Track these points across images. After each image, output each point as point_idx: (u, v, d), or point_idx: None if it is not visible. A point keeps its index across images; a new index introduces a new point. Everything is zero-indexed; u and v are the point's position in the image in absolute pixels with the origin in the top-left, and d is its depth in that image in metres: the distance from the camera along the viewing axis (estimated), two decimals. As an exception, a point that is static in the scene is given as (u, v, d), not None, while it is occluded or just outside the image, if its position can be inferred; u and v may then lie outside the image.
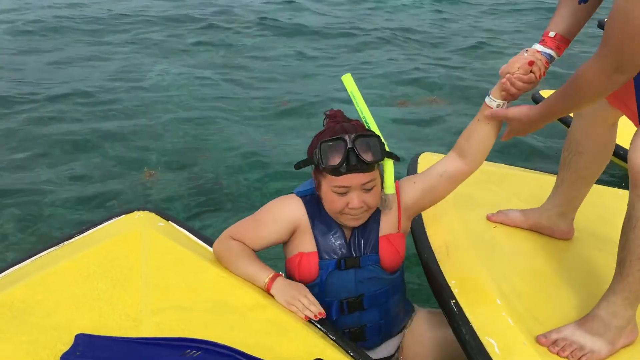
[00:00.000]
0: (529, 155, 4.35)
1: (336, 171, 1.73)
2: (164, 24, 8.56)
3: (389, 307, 1.96)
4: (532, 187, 2.55)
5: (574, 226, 2.22)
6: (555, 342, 1.68)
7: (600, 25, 4.24)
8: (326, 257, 1.86)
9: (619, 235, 1.68)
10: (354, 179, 1.74)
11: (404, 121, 5.03)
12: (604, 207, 2.35)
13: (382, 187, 1.86)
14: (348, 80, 1.91)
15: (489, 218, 2.30)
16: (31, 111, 5.20)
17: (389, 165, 1.86)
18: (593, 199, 2.23)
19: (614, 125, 2.06)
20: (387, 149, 1.82)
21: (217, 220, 3.53)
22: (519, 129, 1.84)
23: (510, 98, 1.82)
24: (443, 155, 2.99)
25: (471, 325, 1.78)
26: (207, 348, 1.55)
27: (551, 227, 2.21)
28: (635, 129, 1.67)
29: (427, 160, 2.71)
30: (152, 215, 2.17)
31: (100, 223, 2.14)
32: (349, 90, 1.92)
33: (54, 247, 2.03)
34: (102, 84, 5.95)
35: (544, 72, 1.78)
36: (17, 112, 5.17)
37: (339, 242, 1.87)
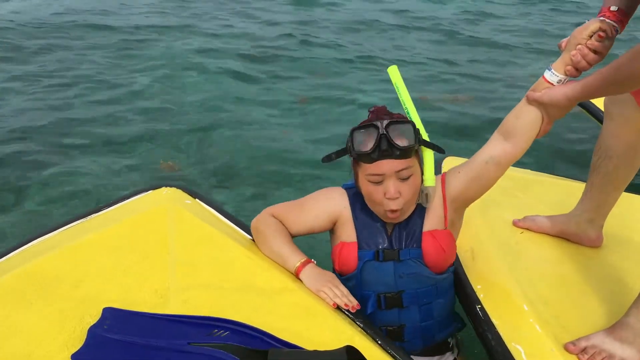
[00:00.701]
0: (557, 161, 4.30)
1: (368, 157, 1.69)
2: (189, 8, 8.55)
3: (431, 310, 1.85)
4: (559, 193, 2.52)
5: (602, 234, 2.19)
6: (584, 350, 1.65)
7: None
8: (365, 247, 1.81)
9: None
10: (387, 165, 1.68)
11: (422, 115, 5.00)
12: (635, 215, 2.31)
13: (422, 180, 1.79)
14: (394, 71, 1.87)
15: (515, 224, 2.26)
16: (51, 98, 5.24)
17: (428, 156, 1.79)
18: (623, 207, 2.19)
19: None
20: (426, 138, 1.77)
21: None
22: (556, 114, 1.73)
23: (575, 74, 1.68)
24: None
25: (497, 331, 1.75)
26: (235, 329, 1.53)
27: (579, 234, 2.17)
28: None
29: (450, 164, 2.67)
30: (179, 192, 2.14)
31: (128, 197, 2.12)
32: (393, 82, 1.86)
33: (82, 220, 2.01)
34: (130, 73, 5.98)
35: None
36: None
37: (379, 233, 1.82)
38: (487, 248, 2.09)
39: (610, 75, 1.55)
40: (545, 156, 4.28)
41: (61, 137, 4.41)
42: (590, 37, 1.65)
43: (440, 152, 1.81)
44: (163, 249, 1.81)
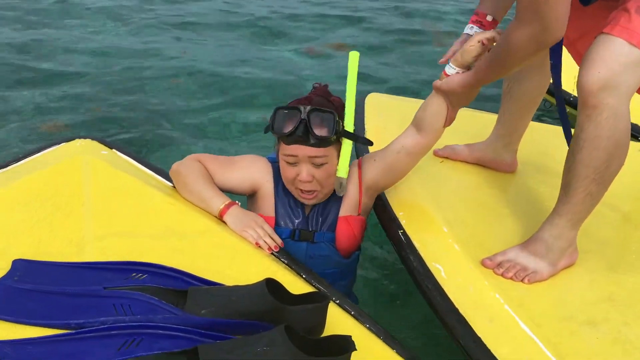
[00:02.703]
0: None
1: (285, 139, 1.74)
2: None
3: None
4: (478, 125, 2.54)
5: (517, 160, 2.25)
6: (499, 264, 1.70)
7: None
8: (282, 224, 1.85)
9: (560, 167, 1.71)
10: (301, 150, 1.74)
11: (317, 67, 5.12)
12: (546, 143, 2.39)
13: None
14: (354, 58, 1.88)
15: (435, 153, 2.29)
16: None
17: (346, 147, 1.81)
18: (535, 136, 2.27)
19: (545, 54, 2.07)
20: (351, 130, 1.80)
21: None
22: (457, 102, 1.80)
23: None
24: (391, 96, 2.96)
25: (418, 253, 1.79)
26: (154, 271, 1.49)
27: (495, 159, 2.23)
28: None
29: (375, 100, 2.67)
30: (95, 143, 2.04)
31: (38, 151, 2.00)
32: (349, 67, 1.87)
33: (-12, 175, 1.90)
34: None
35: None
36: None
37: (297, 213, 1.86)
38: (409, 177, 2.10)
39: (493, 58, 1.65)
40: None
41: None
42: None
43: (368, 144, 1.91)
44: (77, 199, 1.73)
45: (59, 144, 2.03)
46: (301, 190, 1.81)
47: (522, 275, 1.67)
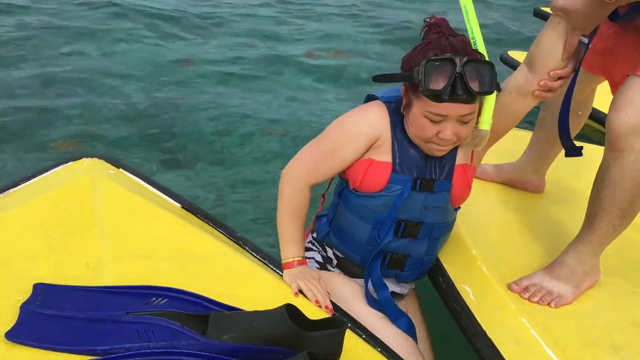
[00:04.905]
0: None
1: (437, 97, 1.67)
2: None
3: (436, 245, 1.98)
4: (507, 142, 2.73)
5: (545, 180, 2.47)
6: (526, 289, 1.91)
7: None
8: (399, 171, 1.84)
9: (588, 188, 1.90)
10: (454, 108, 1.68)
11: (312, 68, 5.60)
12: (574, 161, 2.56)
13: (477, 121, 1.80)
14: None
15: None
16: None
17: (491, 97, 1.77)
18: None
19: (592, 92, 2.28)
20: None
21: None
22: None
23: None
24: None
25: (448, 274, 2.01)
26: (173, 296, 1.66)
27: (524, 181, 2.46)
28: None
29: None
30: (101, 162, 2.23)
31: (47, 170, 2.19)
32: (462, 4, 1.79)
33: (0, 195, 2.08)
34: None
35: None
36: None
37: (416, 159, 1.84)
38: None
39: None
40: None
41: None
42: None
43: (499, 91, 1.81)
44: (90, 221, 1.91)
45: (67, 162, 2.22)
46: (436, 145, 1.77)
47: (548, 300, 1.88)
